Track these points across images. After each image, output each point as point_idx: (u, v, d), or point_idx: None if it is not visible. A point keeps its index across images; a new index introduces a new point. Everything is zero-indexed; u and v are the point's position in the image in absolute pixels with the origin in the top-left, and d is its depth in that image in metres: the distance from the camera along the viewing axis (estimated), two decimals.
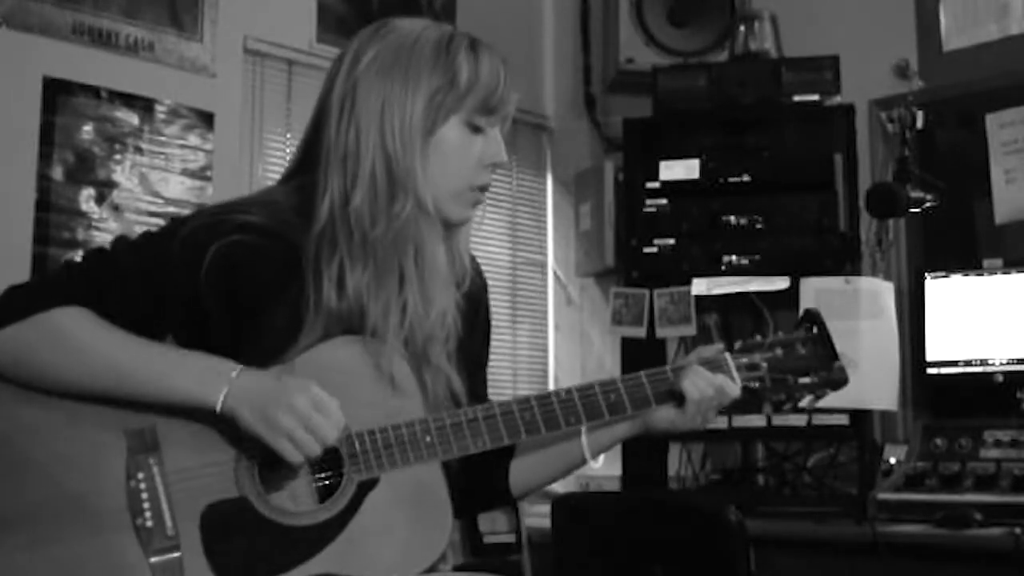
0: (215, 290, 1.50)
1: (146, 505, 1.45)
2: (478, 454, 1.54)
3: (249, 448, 1.46)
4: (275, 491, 1.47)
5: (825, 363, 1.59)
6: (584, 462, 1.66)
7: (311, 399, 1.42)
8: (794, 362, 1.59)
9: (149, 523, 1.44)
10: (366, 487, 1.47)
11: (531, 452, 1.67)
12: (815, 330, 1.60)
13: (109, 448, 1.46)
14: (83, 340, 1.46)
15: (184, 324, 1.53)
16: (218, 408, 1.43)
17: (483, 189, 1.59)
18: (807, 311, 1.63)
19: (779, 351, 1.60)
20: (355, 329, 1.51)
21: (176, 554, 1.44)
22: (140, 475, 1.45)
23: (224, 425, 1.46)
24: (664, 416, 1.60)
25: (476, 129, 1.56)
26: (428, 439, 1.49)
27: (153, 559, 1.43)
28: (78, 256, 1.56)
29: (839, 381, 1.60)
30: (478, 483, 1.65)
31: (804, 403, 1.62)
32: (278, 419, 1.41)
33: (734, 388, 1.57)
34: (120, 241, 1.55)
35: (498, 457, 1.64)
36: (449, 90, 1.53)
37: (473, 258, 1.69)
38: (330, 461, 1.48)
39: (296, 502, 1.48)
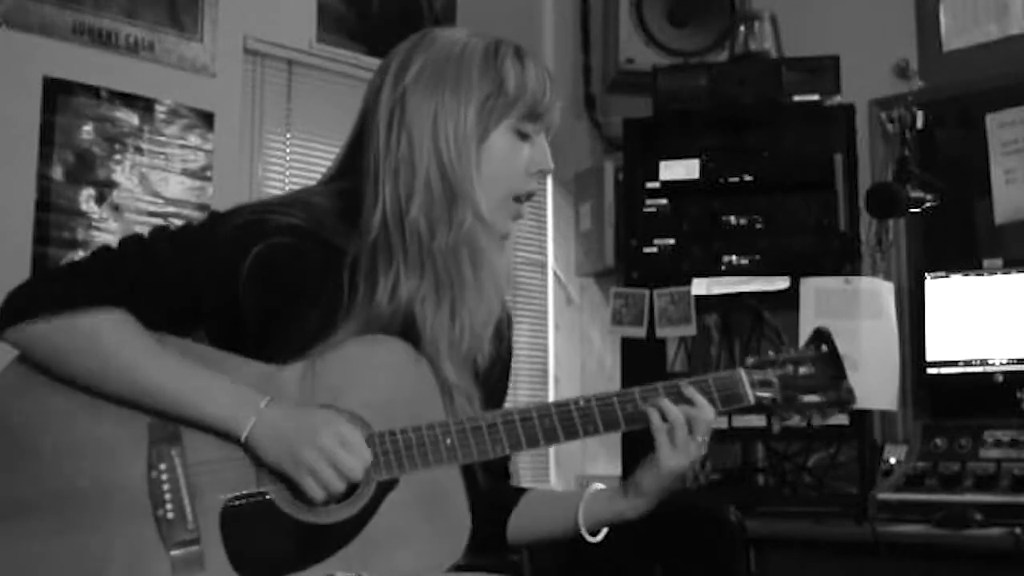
0: (254, 290, 1.50)
1: (167, 496, 1.45)
2: (478, 499, 1.54)
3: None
4: (295, 487, 1.47)
5: (834, 383, 1.59)
6: (578, 534, 1.62)
7: (337, 435, 1.43)
8: (803, 381, 1.59)
9: (170, 515, 1.44)
10: (385, 487, 1.47)
11: (530, 510, 1.67)
12: (824, 349, 1.60)
13: (132, 438, 1.46)
14: (117, 352, 1.46)
15: (217, 319, 1.53)
16: (243, 438, 1.44)
17: (528, 197, 1.61)
18: (817, 330, 1.62)
19: (790, 368, 1.59)
20: (391, 333, 1.51)
21: (196, 547, 1.44)
22: (162, 466, 1.46)
23: None
24: (653, 475, 1.55)
25: (524, 136, 1.58)
26: (448, 441, 1.49)
27: (174, 552, 1.43)
28: (113, 242, 1.55)
29: (846, 402, 1.60)
30: (476, 524, 1.61)
31: (812, 421, 1.61)
32: (303, 455, 1.42)
33: (708, 412, 1.52)
34: (158, 233, 1.55)
35: (499, 505, 1.66)
36: (499, 96, 1.54)
37: None
38: None
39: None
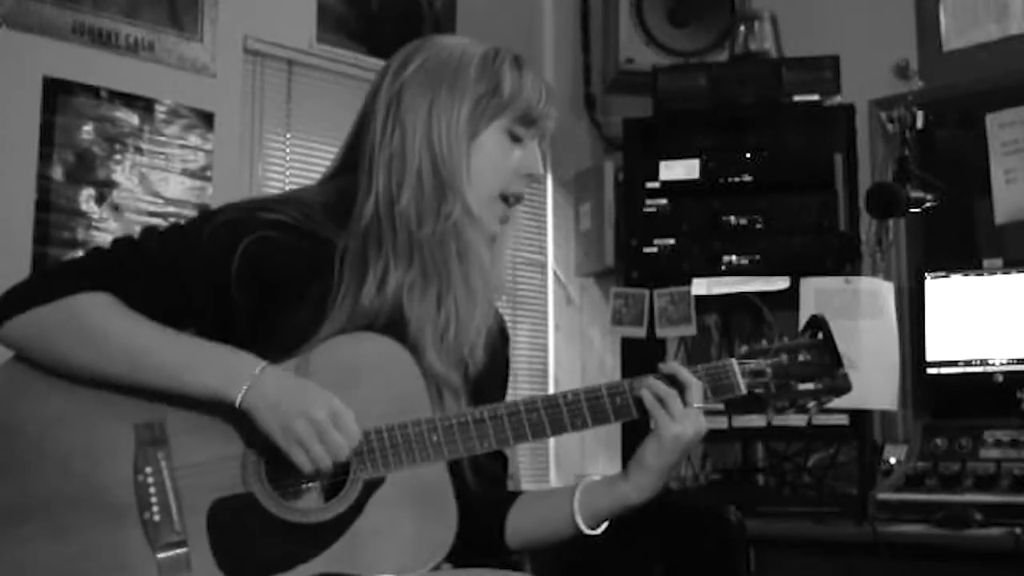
0: (243, 284, 1.51)
1: (154, 499, 1.45)
2: (474, 503, 1.54)
3: (257, 443, 1.47)
4: (282, 487, 1.48)
5: (829, 370, 1.58)
6: (576, 529, 1.58)
7: (330, 412, 1.43)
8: (798, 368, 1.58)
9: (156, 518, 1.45)
10: (372, 486, 1.48)
11: (525, 511, 1.64)
12: (820, 336, 1.59)
13: (119, 441, 1.47)
14: (106, 326, 1.47)
15: (206, 316, 1.54)
16: (237, 403, 1.43)
17: (517, 199, 1.63)
18: (813, 317, 1.62)
19: (784, 357, 1.58)
20: (376, 327, 1.52)
21: (183, 549, 1.44)
22: (148, 469, 1.46)
23: (235, 420, 1.46)
24: (655, 448, 1.53)
25: (516, 139, 1.60)
26: (435, 438, 1.49)
27: (160, 555, 1.44)
28: (106, 243, 1.57)
29: (842, 389, 1.59)
30: (474, 530, 1.59)
31: (808, 409, 1.60)
32: (295, 427, 1.42)
33: (695, 382, 1.52)
34: (149, 231, 1.57)
35: (494, 509, 1.63)
36: (492, 97, 1.57)
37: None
38: None
39: (302, 499, 1.48)
